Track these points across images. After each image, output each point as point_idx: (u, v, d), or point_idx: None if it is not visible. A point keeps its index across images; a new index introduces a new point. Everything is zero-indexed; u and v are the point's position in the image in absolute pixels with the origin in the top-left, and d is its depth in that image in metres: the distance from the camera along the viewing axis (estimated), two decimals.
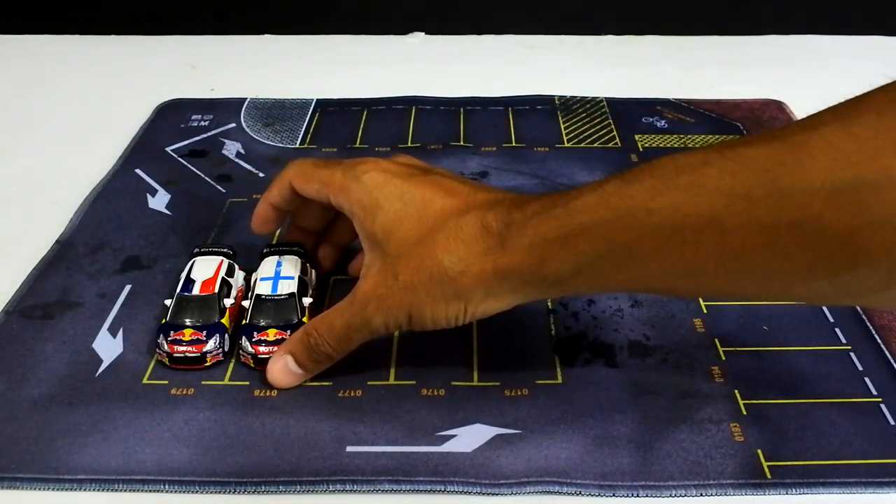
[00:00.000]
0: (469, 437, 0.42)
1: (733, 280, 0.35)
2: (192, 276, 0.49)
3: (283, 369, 0.45)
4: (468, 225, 0.40)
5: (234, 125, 0.73)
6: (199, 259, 0.51)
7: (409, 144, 0.70)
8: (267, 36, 0.92)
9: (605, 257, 0.36)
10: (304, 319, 0.48)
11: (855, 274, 0.31)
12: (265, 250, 0.52)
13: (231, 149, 0.69)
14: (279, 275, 0.49)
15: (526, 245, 0.38)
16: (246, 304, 0.49)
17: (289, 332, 0.47)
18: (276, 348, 0.46)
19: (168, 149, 0.69)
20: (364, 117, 0.75)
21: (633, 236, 0.35)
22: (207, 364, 0.46)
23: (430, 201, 0.42)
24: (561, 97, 0.78)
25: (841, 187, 0.30)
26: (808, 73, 0.83)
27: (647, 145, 0.70)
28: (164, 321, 0.48)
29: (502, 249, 0.38)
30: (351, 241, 0.53)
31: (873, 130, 0.30)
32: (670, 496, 0.40)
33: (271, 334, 0.47)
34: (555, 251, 0.37)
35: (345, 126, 0.73)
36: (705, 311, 0.51)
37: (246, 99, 0.77)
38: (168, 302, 0.49)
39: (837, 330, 0.49)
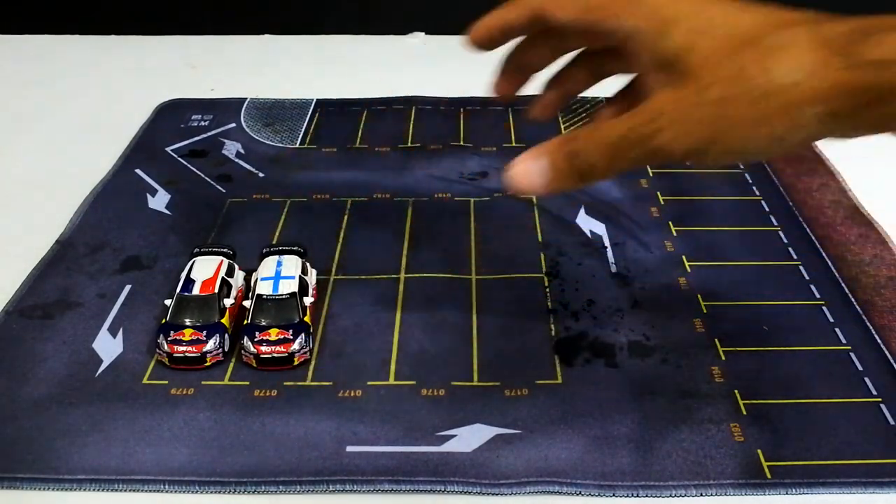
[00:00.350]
0: (469, 437, 0.42)
1: None
2: (192, 276, 0.49)
3: (531, 170, 0.38)
4: (798, 35, 0.33)
5: (234, 125, 0.73)
6: (199, 259, 0.51)
7: (409, 144, 0.70)
8: (267, 36, 0.92)
9: None
10: (306, 319, 0.48)
11: None
12: (265, 250, 0.53)
13: (231, 149, 0.69)
14: (280, 274, 0.50)
15: (885, 60, 0.32)
16: (247, 304, 0.49)
17: (290, 331, 0.47)
18: (279, 348, 0.46)
19: (168, 149, 0.69)
20: (364, 117, 0.74)
21: None
22: (207, 364, 0.46)
23: (738, 16, 0.36)
24: None
25: None
26: None
27: None
28: (164, 321, 0.48)
29: (853, 63, 0.32)
30: (585, 88, 0.47)
31: None
32: (670, 496, 0.40)
33: (273, 334, 0.47)
34: None
35: (344, 126, 0.73)
36: (705, 311, 0.51)
37: (246, 99, 0.77)
38: (168, 302, 0.49)
39: (837, 330, 0.49)
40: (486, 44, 0.45)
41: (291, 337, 0.46)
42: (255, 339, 0.46)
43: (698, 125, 0.34)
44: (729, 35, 0.35)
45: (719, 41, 0.35)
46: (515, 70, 0.46)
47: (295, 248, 0.52)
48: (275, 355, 0.46)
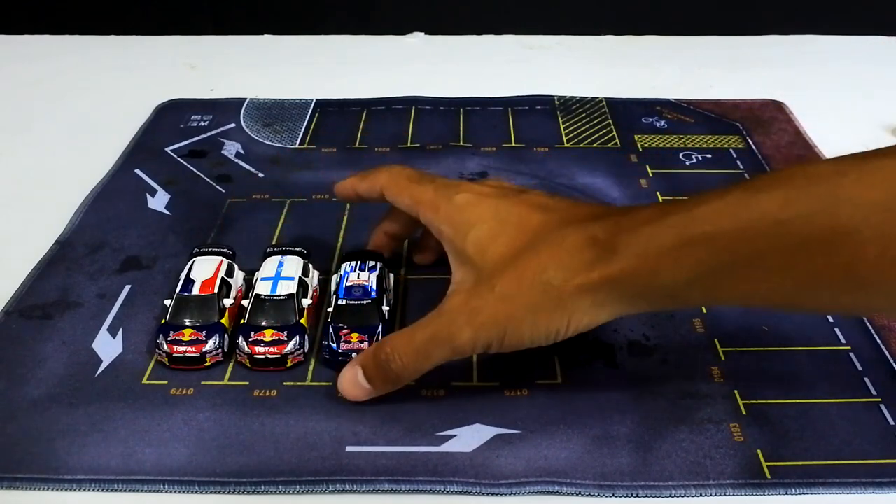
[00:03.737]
0: (469, 437, 0.42)
1: (865, 293, 0.34)
2: (192, 276, 0.49)
3: (351, 381, 0.43)
4: (572, 235, 0.38)
5: (233, 125, 0.73)
6: (198, 259, 0.51)
7: (409, 145, 0.70)
8: (267, 36, 0.92)
9: (725, 269, 0.35)
10: (303, 321, 0.48)
11: None
12: (268, 250, 0.52)
13: (231, 149, 0.69)
14: (280, 275, 0.49)
15: (639, 253, 0.37)
16: (246, 303, 0.49)
17: (285, 332, 0.47)
18: (272, 349, 0.46)
19: (168, 149, 0.69)
20: (364, 117, 0.74)
21: (758, 248, 0.34)
22: (207, 364, 0.46)
23: (527, 217, 0.40)
24: (560, 97, 0.77)
25: None
26: (807, 73, 0.83)
27: (646, 145, 0.70)
28: (163, 321, 0.48)
29: (612, 257, 0.37)
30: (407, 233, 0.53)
31: None
32: (670, 496, 0.40)
33: (268, 335, 0.46)
34: (670, 260, 0.36)
35: (344, 126, 0.73)
36: (705, 311, 0.51)
37: (246, 99, 0.77)
38: (168, 302, 0.49)
39: (837, 330, 0.49)
40: (347, 200, 0.53)
41: (286, 338, 0.46)
42: (250, 340, 0.46)
43: (492, 322, 0.39)
44: (516, 237, 0.40)
45: (507, 245, 0.40)
46: (382, 233, 0.53)
47: (298, 250, 0.52)
48: (269, 356, 0.46)
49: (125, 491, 0.40)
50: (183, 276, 0.50)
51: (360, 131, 0.72)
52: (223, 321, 0.48)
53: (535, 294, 0.38)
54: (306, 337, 0.47)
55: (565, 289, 0.38)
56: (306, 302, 0.49)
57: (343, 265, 0.51)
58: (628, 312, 0.40)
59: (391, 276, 0.52)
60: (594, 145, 0.70)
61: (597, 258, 0.37)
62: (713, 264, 0.36)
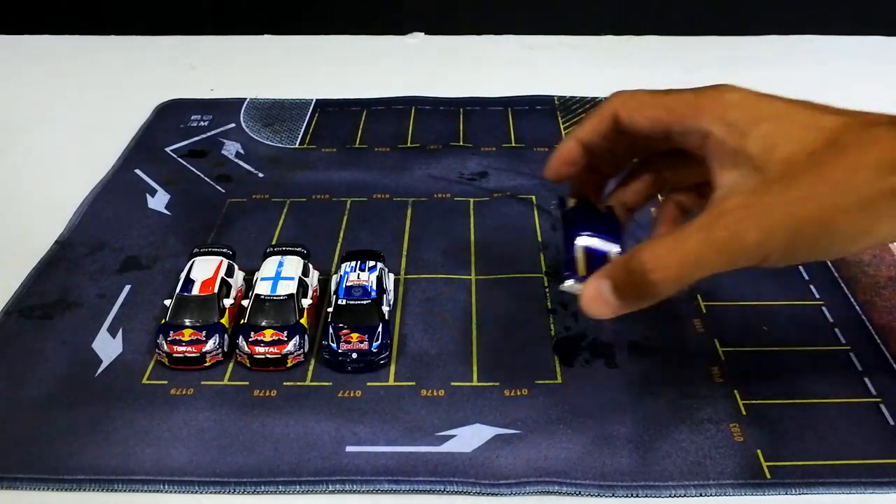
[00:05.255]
0: (469, 438, 0.42)
1: None
2: (192, 276, 0.49)
3: (594, 296, 0.37)
4: (885, 136, 0.34)
5: (233, 125, 0.73)
6: (198, 259, 0.51)
7: (409, 144, 0.70)
8: (267, 36, 0.92)
9: None
10: (303, 321, 0.48)
11: None
12: (268, 249, 0.52)
13: (231, 149, 0.69)
14: (280, 275, 0.50)
15: None
16: (246, 303, 0.49)
17: (285, 332, 0.47)
18: (272, 349, 0.46)
19: (168, 149, 0.69)
20: (363, 117, 0.74)
21: None
22: (207, 364, 0.46)
23: (819, 118, 0.36)
24: (561, 97, 0.77)
25: None
26: (807, 73, 0.83)
27: None
28: (163, 321, 0.48)
29: None
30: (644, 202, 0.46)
31: None
32: (670, 496, 0.40)
33: (268, 335, 0.47)
34: None
35: (344, 126, 0.73)
36: (705, 311, 0.51)
37: (245, 99, 0.77)
38: (168, 302, 0.49)
39: (837, 330, 0.49)
40: (566, 169, 0.44)
41: (286, 338, 0.46)
42: (250, 340, 0.46)
43: (781, 223, 0.34)
44: (810, 136, 0.35)
45: (798, 145, 0.35)
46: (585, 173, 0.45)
47: (298, 250, 0.52)
48: (269, 356, 0.46)
49: (125, 491, 0.40)
50: (183, 276, 0.50)
51: (359, 131, 0.72)
52: (223, 321, 0.48)
53: (839, 195, 0.34)
54: (306, 337, 0.47)
55: (879, 189, 0.33)
56: (306, 302, 0.49)
57: (343, 265, 0.51)
58: None
59: (391, 276, 0.52)
60: None
61: None
62: None
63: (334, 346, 0.46)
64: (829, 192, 0.34)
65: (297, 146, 0.70)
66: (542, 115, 0.75)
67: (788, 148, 0.35)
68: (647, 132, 0.40)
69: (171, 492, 0.40)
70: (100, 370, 0.47)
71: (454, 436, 0.42)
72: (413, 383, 0.46)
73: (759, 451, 0.42)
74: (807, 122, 0.36)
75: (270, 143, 0.70)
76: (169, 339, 0.46)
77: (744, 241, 0.34)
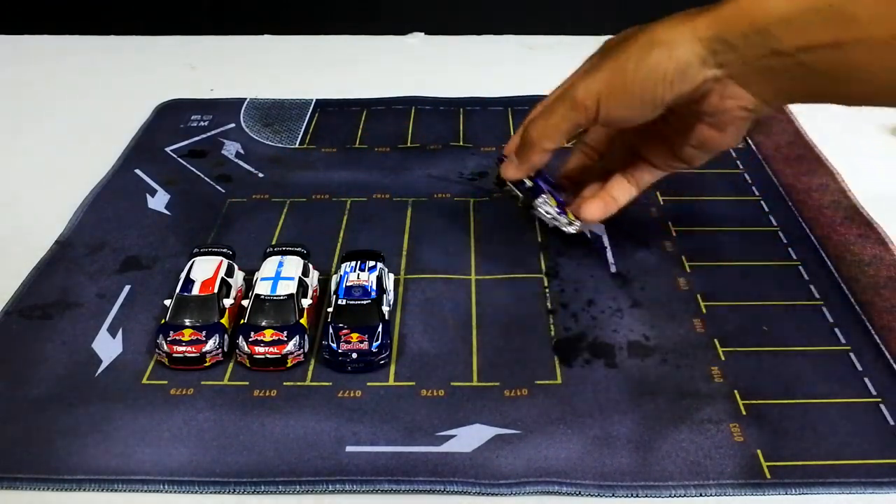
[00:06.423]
0: (469, 438, 0.42)
1: None
2: (192, 276, 0.49)
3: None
4: (678, 13, 0.44)
5: (233, 125, 0.73)
6: (198, 259, 0.51)
7: (409, 144, 0.70)
8: (267, 36, 0.92)
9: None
10: (303, 321, 0.48)
11: None
12: (269, 249, 0.52)
13: (230, 149, 0.69)
14: (279, 275, 0.50)
15: (742, 7, 0.42)
16: (246, 303, 0.49)
17: (285, 332, 0.47)
18: (272, 349, 0.46)
19: (168, 149, 0.69)
20: (363, 117, 0.74)
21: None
22: (207, 364, 0.46)
23: (636, 28, 0.47)
24: None
25: None
26: None
27: None
28: (163, 321, 0.48)
29: (715, 12, 0.42)
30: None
31: None
32: (670, 496, 0.40)
33: (268, 335, 0.47)
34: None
35: (344, 126, 0.73)
36: (704, 311, 0.51)
37: (245, 99, 0.77)
38: (168, 302, 0.49)
39: (837, 330, 0.49)
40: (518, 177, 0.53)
41: (286, 338, 0.46)
42: (250, 340, 0.46)
43: (598, 75, 0.46)
44: (621, 38, 0.47)
45: (616, 41, 0.47)
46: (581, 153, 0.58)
47: (298, 250, 0.52)
48: (268, 356, 0.46)
49: (125, 491, 0.40)
50: (183, 276, 0.50)
51: (359, 131, 0.72)
52: (223, 321, 0.48)
53: (639, 45, 0.44)
54: (306, 337, 0.47)
55: (668, 33, 0.44)
56: (306, 302, 0.49)
57: (343, 265, 0.51)
58: (722, 71, 0.43)
59: (391, 276, 0.52)
60: None
61: (698, 14, 0.43)
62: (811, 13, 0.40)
63: (334, 346, 0.46)
64: (633, 48, 0.44)
65: (297, 146, 0.70)
66: None
67: (609, 45, 0.48)
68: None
69: (171, 492, 0.40)
70: (100, 370, 0.47)
71: (454, 436, 0.42)
72: (413, 383, 0.46)
73: (759, 451, 0.42)
74: (631, 32, 0.46)
75: (270, 143, 0.70)
76: (169, 339, 0.46)
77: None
